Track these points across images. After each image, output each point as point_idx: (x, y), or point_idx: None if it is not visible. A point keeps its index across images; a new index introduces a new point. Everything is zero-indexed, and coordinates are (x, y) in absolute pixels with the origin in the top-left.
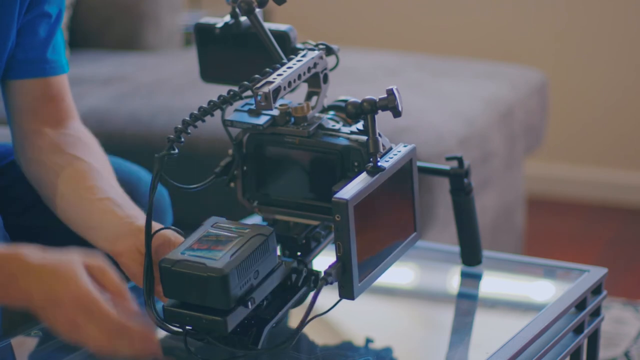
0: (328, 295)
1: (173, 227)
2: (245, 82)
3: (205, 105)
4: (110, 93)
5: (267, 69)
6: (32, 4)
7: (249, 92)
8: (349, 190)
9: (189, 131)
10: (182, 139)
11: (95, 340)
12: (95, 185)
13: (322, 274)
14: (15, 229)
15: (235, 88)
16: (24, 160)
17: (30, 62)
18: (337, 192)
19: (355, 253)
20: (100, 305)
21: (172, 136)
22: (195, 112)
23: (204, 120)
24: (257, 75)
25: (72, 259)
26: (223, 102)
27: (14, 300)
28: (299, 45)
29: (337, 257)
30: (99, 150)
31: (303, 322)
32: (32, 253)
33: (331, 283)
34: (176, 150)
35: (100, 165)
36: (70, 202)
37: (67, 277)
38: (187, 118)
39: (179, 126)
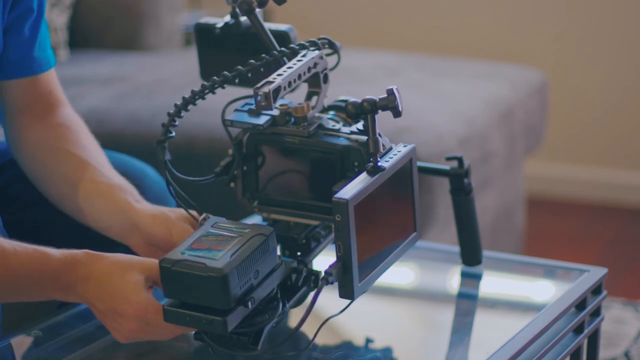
0: (329, 295)
1: (193, 212)
2: (239, 67)
3: (193, 94)
4: (110, 93)
5: (264, 55)
6: (16, 2)
7: (249, 92)
8: (349, 190)
9: (182, 115)
10: (177, 122)
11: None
12: (93, 180)
13: (323, 274)
14: (16, 226)
15: (240, 88)
16: (19, 156)
17: (18, 63)
18: (338, 192)
19: (355, 253)
20: (160, 319)
21: (165, 122)
22: (186, 96)
23: (195, 104)
24: (252, 60)
25: (133, 269)
26: (212, 87)
27: (74, 301)
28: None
29: (338, 257)
30: (88, 135)
31: (302, 321)
32: (94, 260)
33: (332, 283)
34: (173, 134)
35: (92, 157)
36: (74, 204)
37: (129, 292)
38: (179, 102)
39: (171, 111)
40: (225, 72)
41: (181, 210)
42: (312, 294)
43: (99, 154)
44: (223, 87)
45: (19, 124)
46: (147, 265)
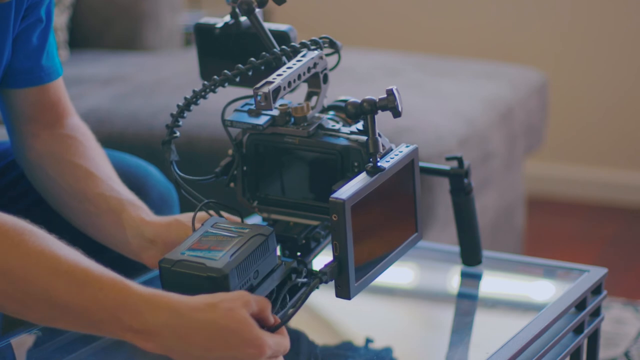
0: (330, 294)
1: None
2: (240, 65)
3: (193, 94)
4: (110, 93)
5: (265, 53)
6: (27, 11)
7: (249, 92)
8: (347, 190)
9: (185, 115)
10: (180, 123)
11: None
12: (104, 195)
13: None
14: None
15: (240, 89)
16: (25, 164)
17: (26, 72)
18: (335, 191)
19: (352, 253)
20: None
21: (168, 123)
22: (187, 96)
23: (197, 103)
24: (252, 59)
25: (236, 303)
26: (213, 86)
27: (145, 347)
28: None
29: (334, 256)
30: (96, 147)
31: (291, 315)
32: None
33: (326, 282)
34: (177, 134)
35: (101, 170)
36: (83, 217)
37: (241, 324)
38: (180, 104)
39: (174, 112)
40: (226, 71)
41: (189, 214)
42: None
43: (107, 166)
44: (224, 86)
45: (26, 133)
46: (244, 299)
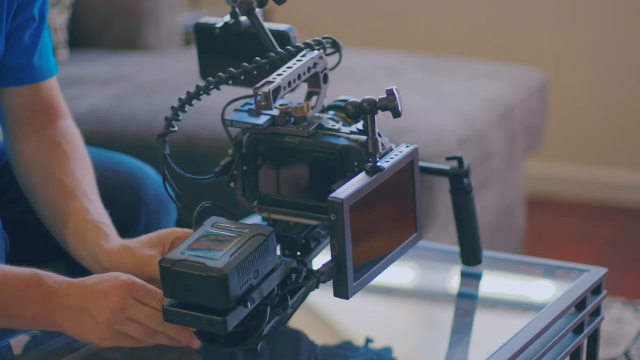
0: (329, 294)
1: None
2: (245, 64)
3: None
4: (110, 93)
5: (271, 54)
6: (19, 9)
7: (249, 92)
8: (346, 190)
9: (186, 110)
10: (180, 117)
11: (139, 334)
12: (79, 217)
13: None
14: (17, 226)
15: (240, 88)
16: (15, 167)
17: (19, 70)
18: (334, 191)
19: (350, 253)
20: (147, 287)
21: (168, 116)
22: (191, 91)
23: (199, 99)
24: (258, 58)
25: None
26: (218, 83)
27: (36, 314)
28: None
29: (333, 256)
30: (80, 158)
31: (286, 317)
32: (54, 276)
33: (324, 282)
34: (175, 128)
35: (80, 187)
36: (62, 235)
37: (116, 274)
38: (183, 97)
39: (175, 106)
40: (232, 69)
41: (148, 237)
42: (311, 294)
43: (86, 181)
44: (228, 84)
45: (18, 136)
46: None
